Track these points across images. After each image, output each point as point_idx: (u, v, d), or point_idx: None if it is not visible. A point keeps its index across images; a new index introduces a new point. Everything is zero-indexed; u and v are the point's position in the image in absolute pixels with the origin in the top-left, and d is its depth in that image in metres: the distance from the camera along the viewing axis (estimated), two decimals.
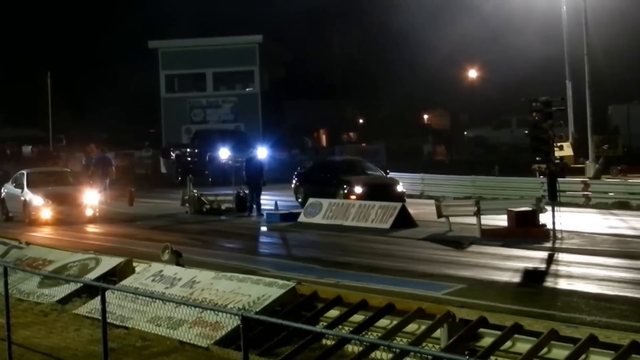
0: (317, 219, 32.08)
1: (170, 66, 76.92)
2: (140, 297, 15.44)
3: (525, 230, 26.25)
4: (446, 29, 78.64)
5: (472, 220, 27.59)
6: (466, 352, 12.06)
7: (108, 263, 19.35)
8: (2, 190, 37.31)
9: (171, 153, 58.81)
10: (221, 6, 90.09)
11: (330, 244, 27.99)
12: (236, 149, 45.61)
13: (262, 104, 76.76)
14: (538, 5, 54.80)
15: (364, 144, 76.25)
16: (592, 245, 24.92)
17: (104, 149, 47.61)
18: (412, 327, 13.76)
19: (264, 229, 32.37)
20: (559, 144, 27.56)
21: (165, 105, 77.14)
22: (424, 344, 12.95)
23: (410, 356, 12.62)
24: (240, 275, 16.83)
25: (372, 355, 12.96)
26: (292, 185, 40.35)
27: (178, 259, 19.23)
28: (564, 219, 26.41)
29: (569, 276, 20.57)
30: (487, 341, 12.91)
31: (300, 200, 38.06)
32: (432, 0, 79.41)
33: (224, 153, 46.48)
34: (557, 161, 27.18)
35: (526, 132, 28.61)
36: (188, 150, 57.07)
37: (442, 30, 78.90)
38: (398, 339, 13.36)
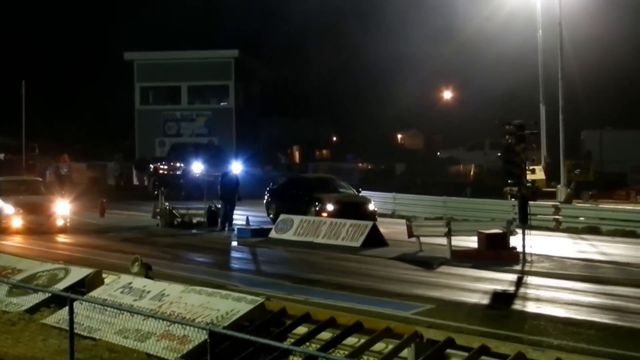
0: (288, 236, 32.09)
1: (145, 78, 76.79)
2: (109, 308, 15.42)
3: (496, 252, 26.30)
4: (423, 50, 79.05)
5: (443, 240, 27.65)
6: None
7: (77, 274, 19.27)
8: None
9: (150, 166, 58.59)
10: (198, 21, 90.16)
11: (301, 261, 27.97)
12: (211, 163, 45.50)
13: (236, 119, 76.68)
14: (514, 29, 55.25)
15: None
16: (561, 269, 25.01)
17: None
18: (379, 346, 13.74)
19: (234, 243, 32.32)
20: (531, 168, 27.59)
21: (140, 117, 76.98)
22: None
23: None
24: (209, 290, 16.80)
25: None
26: (264, 201, 40.23)
27: (147, 272, 19.17)
28: (534, 242, 26.58)
29: (538, 299, 20.65)
30: None
31: (271, 216, 38.01)
32: (409, 22, 79.91)
33: (197, 167, 46.42)
34: (528, 184, 27.31)
35: (499, 154, 28.70)
36: (165, 163, 56.87)
37: (419, 51, 79.31)
38: (365, 357, 13.38)
